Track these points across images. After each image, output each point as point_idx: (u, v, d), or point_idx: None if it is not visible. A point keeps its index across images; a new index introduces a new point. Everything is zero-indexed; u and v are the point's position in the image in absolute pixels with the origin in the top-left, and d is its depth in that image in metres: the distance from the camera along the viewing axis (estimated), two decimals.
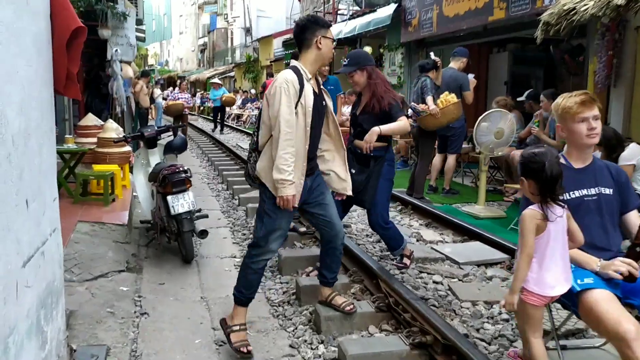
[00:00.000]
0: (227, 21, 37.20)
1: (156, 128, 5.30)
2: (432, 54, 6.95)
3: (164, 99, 16.72)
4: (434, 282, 4.05)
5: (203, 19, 42.98)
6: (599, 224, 2.59)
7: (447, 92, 6.43)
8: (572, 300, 2.45)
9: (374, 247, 4.91)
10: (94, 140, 6.64)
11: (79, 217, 5.06)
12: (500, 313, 3.48)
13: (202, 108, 27.88)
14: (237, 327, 3.07)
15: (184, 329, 3.39)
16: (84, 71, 9.59)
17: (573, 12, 5.69)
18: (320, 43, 2.98)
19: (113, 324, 3.31)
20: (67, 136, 6.42)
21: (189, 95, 16.63)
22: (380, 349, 2.89)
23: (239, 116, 22.34)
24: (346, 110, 7.67)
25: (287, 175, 2.81)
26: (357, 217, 6.08)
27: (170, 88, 25.06)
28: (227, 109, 19.61)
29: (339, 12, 16.89)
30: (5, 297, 1.57)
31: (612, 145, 4.47)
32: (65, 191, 5.97)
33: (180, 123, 12.91)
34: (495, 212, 6.40)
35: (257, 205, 3.34)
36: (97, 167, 6.16)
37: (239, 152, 11.30)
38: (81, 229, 4.78)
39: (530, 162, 2.38)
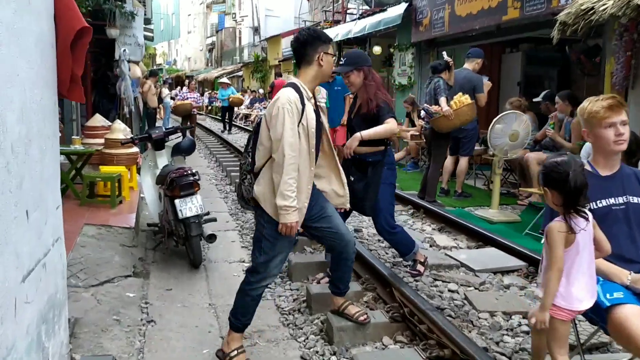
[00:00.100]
0: (236, 20, 37.16)
1: (164, 129, 5.21)
2: (444, 53, 6.81)
3: (172, 98, 16.64)
4: (450, 290, 3.93)
5: (211, 18, 42.98)
6: (627, 234, 2.47)
7: (460, 94, 6.30)
8: (600, 315, 2.33)
9: (387, 253, 4.79)
10: (102, 141, 6.57)
11: (85, 220, 4.99)
12: (519, 325, 3.35)
13: (210, 108, 27.84)
14: (235, 352, 2.91)
15: (191, 338, 3.29)
16: (91, 71, 9.54)
17: (591, 12, 5.55)
18: (322, 60, 2.82)
19: (119, 332, 3.22)
20: (74, 137, 6.35)
21: (198, 95, 16.57)
22: None
23: (247, 116, 22.26)
24: None
25: (291, 201, 2.65)
26: (369, 221, 5.93)
27: (179, 87, 25.03)
28: (235, 108, 19.54)
29: (348, 11, 16.76)
30: (1, 316, 1.46)
31: (632, 149, 4.32)
32: (71, 193, 5.90)
33: (188, 124, 12.84)
34: (510, 216, 6.26)
35: None
36: (104, 169, 6.09)
37: None
38: (87, 232, 4.71)
39: (553, 172, 2.28)
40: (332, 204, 3.10)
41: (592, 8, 5.42)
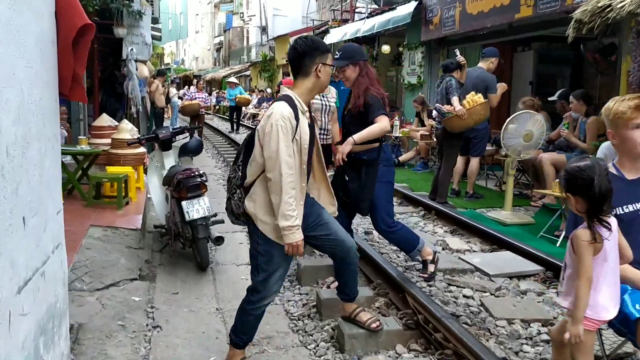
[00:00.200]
0: (243, 20, 37.12)
1: (171, 129, 5.13)
2: (457, 52, 6.67)
3: (180, 98, 16.58)
4: (464, 296, 3.80)
5: (219, 18, 42.98)
6: None
7: (473, 93, 6.16)
8: (628, 326, 2.23)
9: (398, 257, 4.68)
10: (108, 141, 6.50)
11: (91, 221, 4.92)
12: (539, 333, 3.22)
13: (217, 107, 27.82)
14: None
15: (198, 344, 3.21)
16: (99, 70, 9.48)
17: (608, 10, 5.41)
18: (320, 71, 2.66)
19: (123, 338, 3.13)
20: (80, 137, 6.29)
21: (206, 95, 16.49)
22: None
23: (254, 115, 22.17)
24: None
25: (293, 220, 2.53)
26: None
27: (186, 87, 25.00)
28: (243, 108, 19.46)
29: (357, 10, 16.62)
30: None
31: None
32: (78, 194, 5.83)
33: (196, 124, 12.75)
34: (523, 218, 6.12)
35: None
36: (111, 169, 6.01)
37: None
38: (93, 233, 4.64)
39: (577, 178, 2.17)
40: None
41: (609, 5, 5.28)
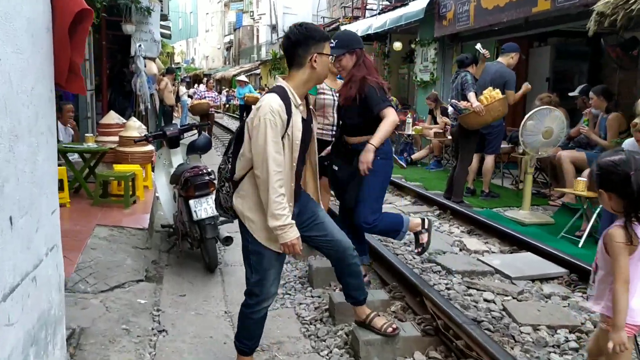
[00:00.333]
0: (253, 18, 37.06)
1: (179, 126, 5.00)
2: (479, 46, 6.43)
3: (190, 97, 16.49)
4: (485, 300, 3.61)
5: (229, 17, 42.97)
6: None
7: (490, 88, 5.96)
8: None
9: (414, 258, 4.49)
10: (116, 138, 6.39)
11: (97, 221, 4.82)
12: (567, 340, 3.03)
13: (227, 106, 27.77)
14: None
15: (205, 350, 3.06)
16: (107, 68, 9.39)
17: (632, 1, 5.19)
18: (315, 61, 2.47)
19: (127, 343, 3.00)
20: (87, 135, 6.18)
21: (216, 94, 16.38)
22: None
23: None
24: None
25: (284, 219, 2.35)
26: None
27: (196, 85, 24.95)
28: (253, 106, 19.33)
29: (368, 7, 16.43)
30: None
31: None
32: (84, 192, 5.73)
33: (206, 121, 12.63)
34: (542, 217, 5.92)
35: None
36: (118, 167, 5.90)
37: None
38: (99, 233, 4.53)
39: (611, 173, 2.01)
40: None
41: None
